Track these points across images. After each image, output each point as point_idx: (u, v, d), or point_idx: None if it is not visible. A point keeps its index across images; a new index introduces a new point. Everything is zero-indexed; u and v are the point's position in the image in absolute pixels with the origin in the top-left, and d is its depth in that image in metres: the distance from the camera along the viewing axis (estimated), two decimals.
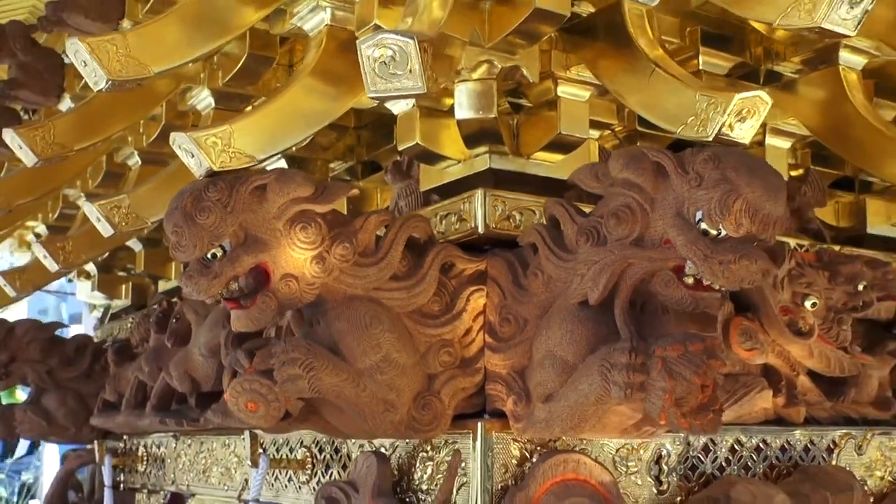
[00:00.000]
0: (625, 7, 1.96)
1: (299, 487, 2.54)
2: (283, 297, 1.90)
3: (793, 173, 2.77)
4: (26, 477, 14.00)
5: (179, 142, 1.93)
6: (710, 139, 1.73)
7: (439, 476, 2.04)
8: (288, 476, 2.55)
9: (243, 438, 2.56)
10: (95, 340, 4.10)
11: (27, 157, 2.40)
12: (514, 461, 1.99)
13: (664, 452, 2.19)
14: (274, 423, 1.91)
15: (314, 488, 2.48)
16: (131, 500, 3.74)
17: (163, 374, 3.19)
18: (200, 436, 3.13)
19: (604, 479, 1.99)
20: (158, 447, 3.49)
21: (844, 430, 2.53)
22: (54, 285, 5.37)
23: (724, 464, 2.31)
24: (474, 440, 1.98)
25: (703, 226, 1.69)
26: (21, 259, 4.48)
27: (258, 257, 1.88)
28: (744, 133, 1.75)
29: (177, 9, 1.96)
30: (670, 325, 1.85)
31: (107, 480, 3.53)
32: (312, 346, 1.91)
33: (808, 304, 2.38)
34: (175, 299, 3.28)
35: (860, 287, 2.51)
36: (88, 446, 3.99)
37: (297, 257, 1.89)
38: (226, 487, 2.97)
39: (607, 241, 1.80)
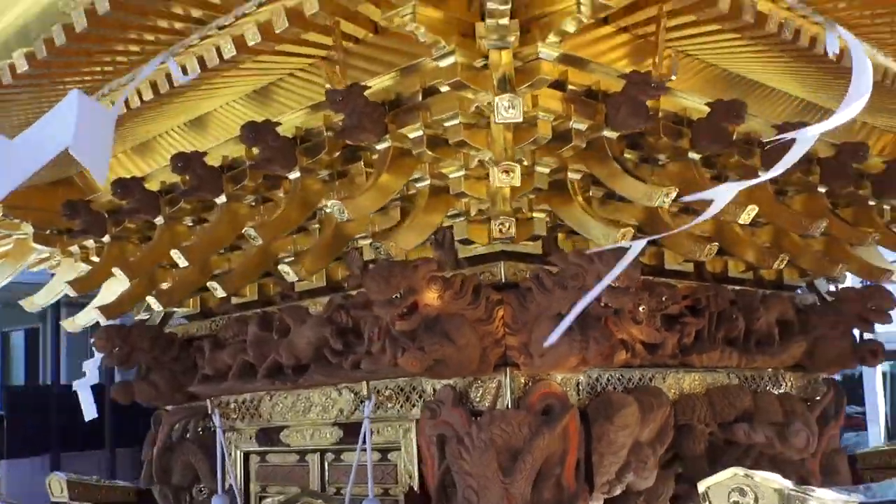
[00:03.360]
0: None
1: (387, 410, 4.85)
2: (424, 314, 4.22)
3: None
4: None
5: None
6: None
7: (486, 394, 4.42)
8: (385, 405, 4.84)
9: (356, 389, 4.82)
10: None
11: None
12: (522, 384, 4.40)
13: (581, 380, 4.66)
14: (421, 371, 4.23)
15: (397, 411, 4.79)
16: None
17: (273, 355, 5.36)
18: (296, 390, 5.34)
19: (559, 390, 4.44)
20: (251, 400, 5.65)
21: None
22: None
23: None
24: (505, 376, 4.38)
25: None
26: None
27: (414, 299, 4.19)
28: None
29: None
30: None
31: (217, 423, 5.66)
32: (440, 336, 4.23)
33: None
34: (274, 311, 5.46)
35: None
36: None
37: (431, 296, 4.21)
38: (322, 418, 5.22)
39: (567, 288, 4.21)
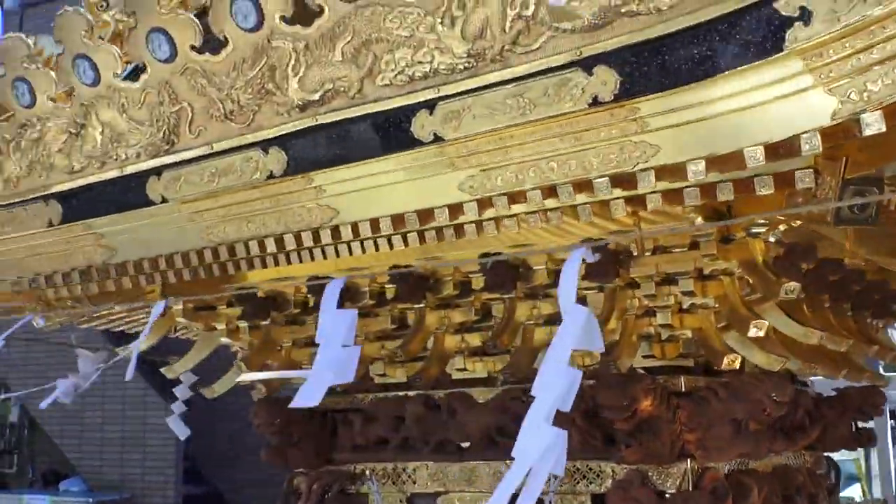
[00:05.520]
0: None
1: (562, 485, 6.04)
2: (639, 417, 5.48)
3: None
4: None
5: None
6: None
7: (667, 478, 5.71)
8: (562, 481, 6.03)
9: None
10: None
11: None
12: (696, 470, 5.73)
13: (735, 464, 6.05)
14: (637, 461, 5.49)
15: (573, 487, 5.99)
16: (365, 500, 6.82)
17: (441, 433, 6.43)
18: (461, 462, 6.42)
19: (719, 475, 5.81)
20: (402, 468, 6.66)
21: None
22: None
23: None
24: (687, 464, 5.70)
25: None
26: None
27: (636, 406, 5.45)
28: None
29: None
30: None
31: (374, 488, 6.64)
32: (650, 434, 5.51)
33: None
34: (442, 395, 6.52)
35: None
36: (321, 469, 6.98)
37: (647, 403, 5.48)
38: (489, 487, 6.32)
39: (739, 399, 5.59)
